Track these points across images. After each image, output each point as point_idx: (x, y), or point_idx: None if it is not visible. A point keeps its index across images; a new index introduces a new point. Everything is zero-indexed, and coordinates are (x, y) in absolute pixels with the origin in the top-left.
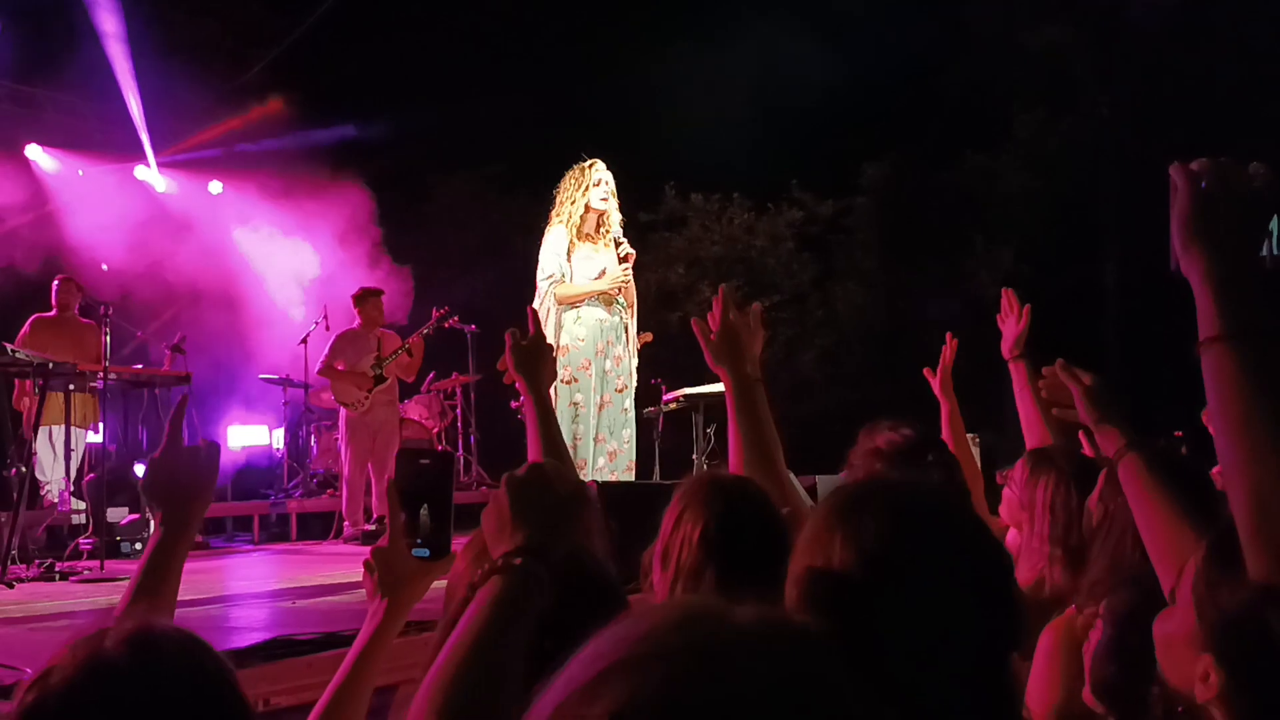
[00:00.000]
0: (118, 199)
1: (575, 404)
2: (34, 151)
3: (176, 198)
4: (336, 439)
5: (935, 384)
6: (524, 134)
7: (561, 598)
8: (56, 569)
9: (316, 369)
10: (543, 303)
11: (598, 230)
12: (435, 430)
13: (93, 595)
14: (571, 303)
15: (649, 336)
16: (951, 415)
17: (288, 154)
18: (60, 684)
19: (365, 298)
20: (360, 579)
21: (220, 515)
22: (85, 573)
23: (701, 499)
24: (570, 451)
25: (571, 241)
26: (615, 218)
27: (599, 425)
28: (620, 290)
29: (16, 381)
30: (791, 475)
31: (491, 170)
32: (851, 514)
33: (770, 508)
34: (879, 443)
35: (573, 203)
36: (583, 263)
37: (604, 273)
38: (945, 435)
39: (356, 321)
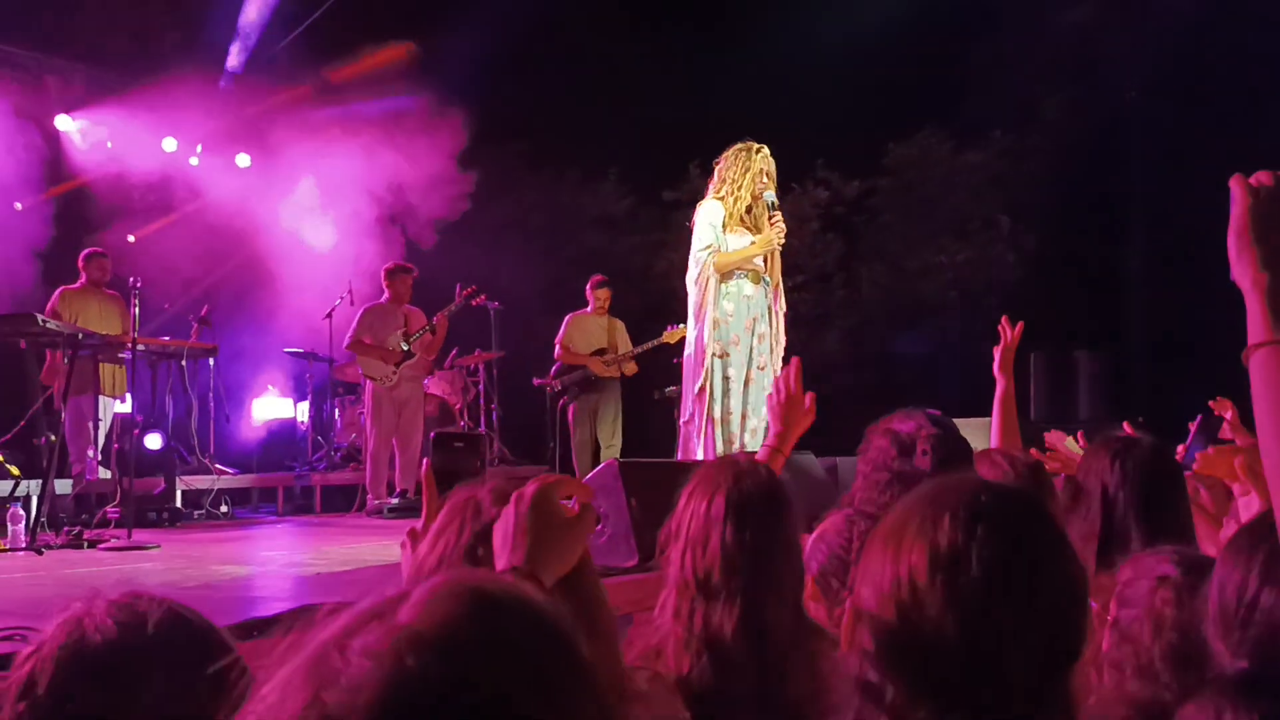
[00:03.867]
0: (146, 168)
1: (728, 378)
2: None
3: (205, 171)
4: (360, 413)
5: (996, 360)
6: (550, 111)
7: None
8: (85, 537)
9: (344, 343)
10: (702, 273)
11: (749, 213)
12: (458, 406)
13: (120, 563)
14: (728, 271)
15: (631, 369)
16: (1005, 395)
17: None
18: (51, 653)
19: (396, 273)
20: (378, 552)
21: (245, 487)
22: (113, 541)
23: (712, 476)
24: (723, 426)
25: (727, 220)
26: (770, 197)
27: (746, 401)
28: (768, 261)
29: (49, 353)
30: (811, 456)
31: (517, 147)
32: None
33: (775, 484)
34: (894, 426)
35: (736, 185)
36: (740, 238)
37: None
38: (996, 412)
39: (384, 296)
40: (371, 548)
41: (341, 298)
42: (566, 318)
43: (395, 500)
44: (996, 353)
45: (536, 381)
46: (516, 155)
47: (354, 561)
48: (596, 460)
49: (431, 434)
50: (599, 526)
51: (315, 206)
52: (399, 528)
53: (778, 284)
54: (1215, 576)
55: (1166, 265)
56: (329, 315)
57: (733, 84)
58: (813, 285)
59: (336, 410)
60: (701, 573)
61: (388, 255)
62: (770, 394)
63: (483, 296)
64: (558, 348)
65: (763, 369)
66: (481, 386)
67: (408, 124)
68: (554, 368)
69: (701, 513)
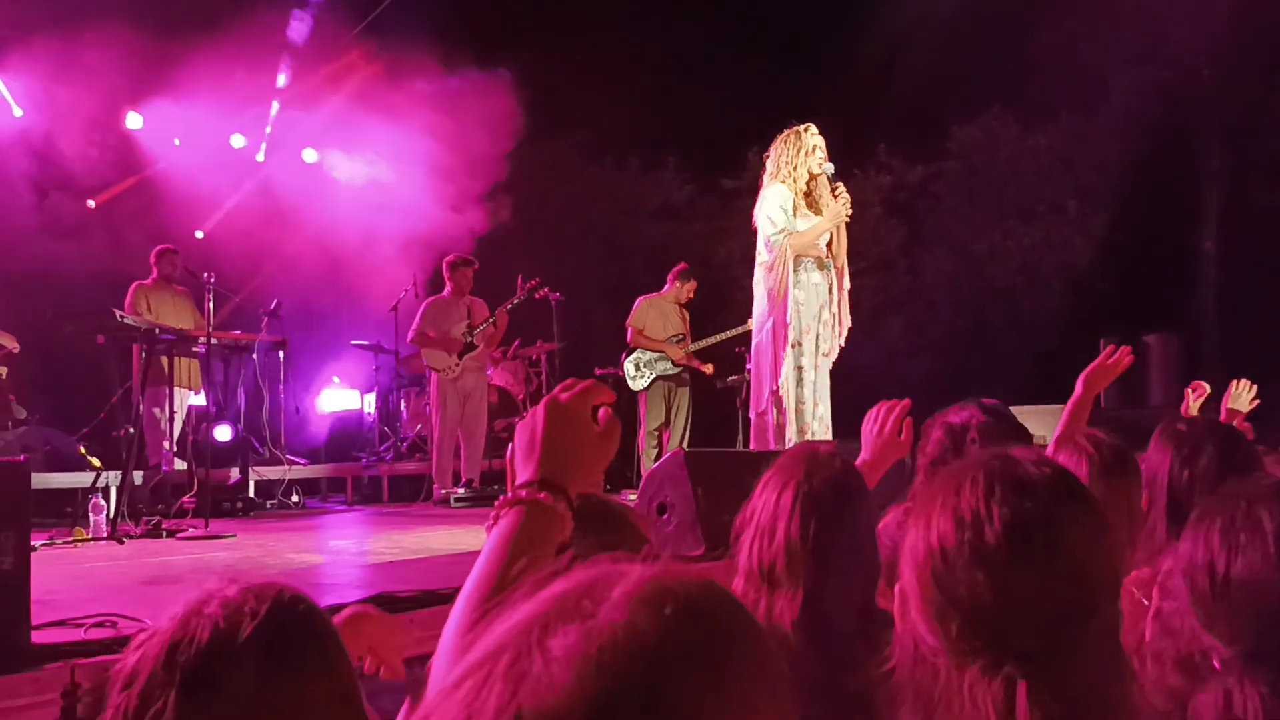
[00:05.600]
0: (214, 164)
1: (800, 368)
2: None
3: (272, 165)
4: (425, 404)
5: (1086, 371)
6: (608, 103)
7: (576, 529)
8: (163, 526)
9: (409, 337)
10: (777, 258)
11: (808, 194)
12: (520, 396)
13: (198, 552)
14: (803, 252)
15: (710, 369)
16: (1079, 402)
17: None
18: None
19: (458, 266)
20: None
21: (315, 477)
22: (189, 530)
23: (788, 466)
24: (796, 416)
25: (799, 200)
26: (829, 169)
27: (813, 389)
28: (834, 240)
29: (135, 347)
30: None
31: (575, 139)
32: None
33: (849, 478)
34: (949, 419)
35: (793, 167)
36: (809, 218)
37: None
38: (1066, 411)
39: (447, 289)
40: (440, 536)
41: (406, 290)
42: (639, 299)
43: (461, 490)
44: (1093, 366)
45: (599, 371)
46: (576, 146)
47: (424, 550)
48: (662, 450)
49: (515, 420)
50: (665, 516)
51: (378, 198)
52: (466, 517)
53: (842, 264)
54: (1179, 568)
55: (1239, 247)
56: (394, 308)
57: (791, 69)
58: (875, 272)
59: (402, 402)
60: (766, 562)
61: (450, 248)
62: (867, 421)
63: (545, 289)
64: (629, 330)
65: (827, 355)
66: (544, 377)
67: (470, 118)
68: (625, 353)
69: (772, 503)
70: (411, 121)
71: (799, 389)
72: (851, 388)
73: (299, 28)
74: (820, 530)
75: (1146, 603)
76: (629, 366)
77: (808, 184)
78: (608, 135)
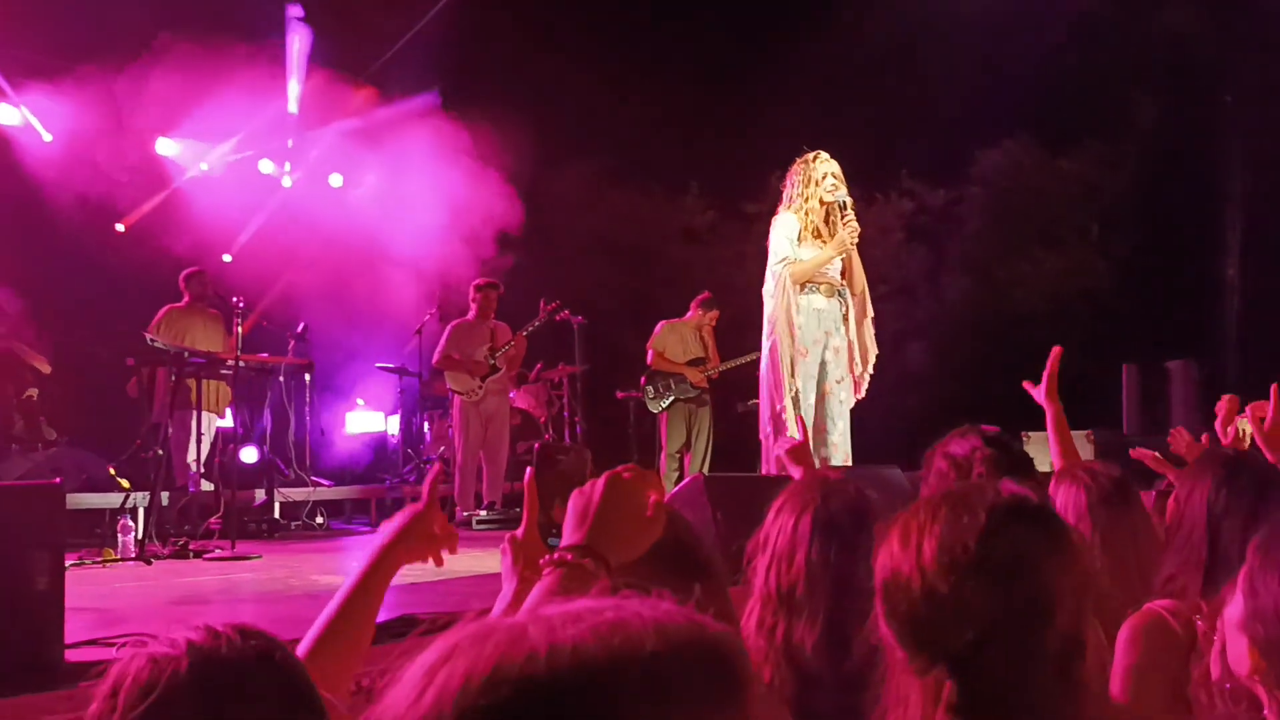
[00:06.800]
0: (241, 189)
1: (796, 390)
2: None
3: (298, 190)
4: (448, 427)
5: (1040, 391)
6: (636, 127)
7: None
8: (190, 547)
9: (434, 360)
10: (778, 286)
11: (826, 222)
12: (542, 419)
13: (225, 573)
14: (804, 281)
15: (701, 377)
16: (1056, 419)
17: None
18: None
19: (482, 289)
20: (468, 564)
21: (339, 499)
22: (216, 551)
23: (802, 492)
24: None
25: (801, 232)
26: (841, 197)
27: (824, 415)
28: (847, 269)
29: (161, 370)
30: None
31: (599, 164)
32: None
33: (864, 501)
34: (951, 449)
35: (805, 198)
36: (814, 247)
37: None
38: (1051, 438)
39: (471, 312)
40: (462, 559)
41: (430, 314)
42: (660, 323)
43: (483, 512)
44: (1034, 389)
45: (620, 394)
46: (599, 171)
47: (446, 573)
48: (683, 473)
49: (537, 445)
50: None
51: (403, 222)
52: (488, 539)
53: (862, 291)
54: (1246, 606)
55: (1261, 273)
56: (418, 331)
57: (814, 94)
58: (897, 297)
59: (426, 424)
60: (786, 587)
61: (474, 271)
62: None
63: (566, 311)
64: (649, 353)
65: (840, 382)
66: (565, 400)
67: (495, 143)
68: (645, 375)
69: (789, 528)
70: (436, 148)
71: (797, 411)
72: (878, 412)
73: (307, 50)
74: (840, 556)
75: (1182, 634)
76: (649, 389)
77: (826, 213)
78: (631, 160)
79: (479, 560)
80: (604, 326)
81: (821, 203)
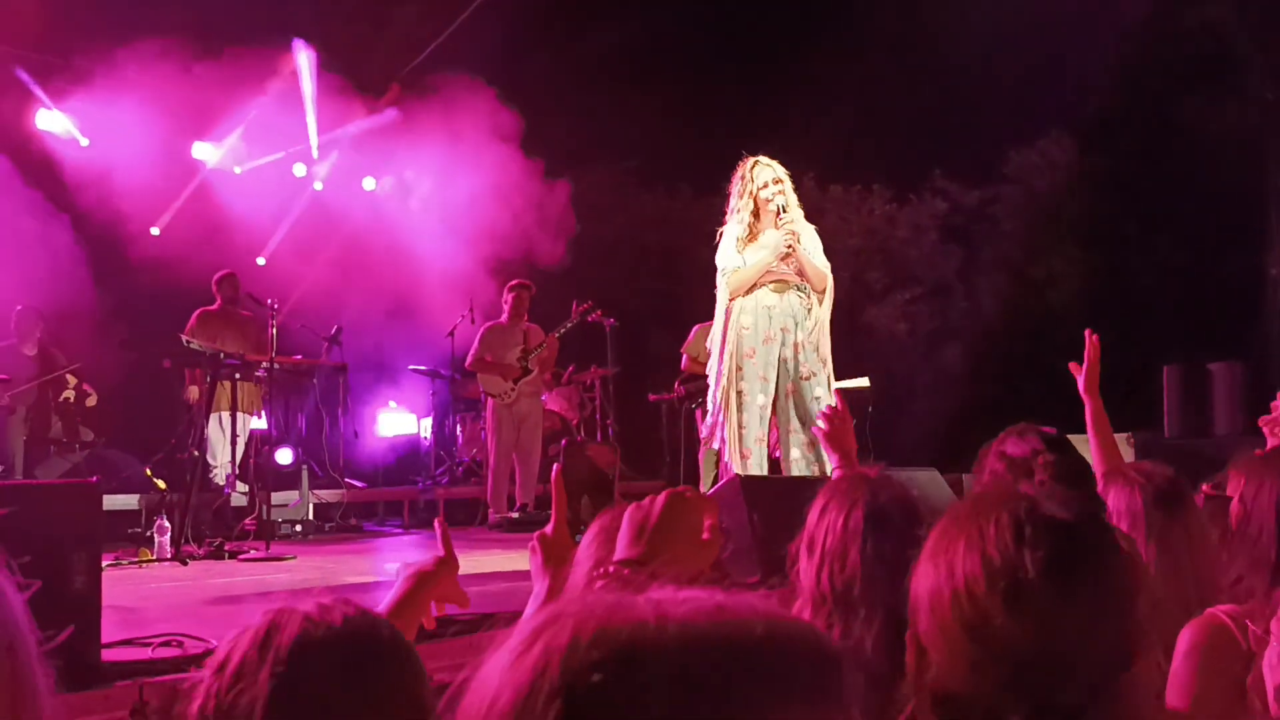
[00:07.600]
0: (274, 192)
1: (739, 392)
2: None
3: (330, 192)
4: (481, 429)
5: (1080, 382)
6: (663, 128)
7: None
8: (225, 548)
9: (468, 362)
10: (720, 299)
11: (777, 218)
12: (575, 422)
13: (259, 573)
14: (746, 291)
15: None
16: (1095, 415)
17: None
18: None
19: (516, 290)
20: (501, 564)
21: (372, 500)
22: (251, 552)
23: (846, 490)
24: (738, 440)
25: (741, 240)
26: (792, 200)
27: (790, 413)
28: (795, 264)
29: (186, 371)
30: (936, 473)
31: (630, 164)
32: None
33: (910, 496)
34: (1008, 449)
35: (738, 210)
36: (757, 251)
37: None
38: (1091, 436)
39: (504, 314)
40: (495, 559)
41: (463, 316)
42: (695, 327)
43: (516, 514)
44: (1079, 374)
45: (652, 397)
46: (629, 172)
47: (480, 572)
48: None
49: (564, 441)
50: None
51: (435, 223)
52: (521, 540)
53: (822, 290)
54: None
55: None
56: (451, 333)
57: (848, 96)
58: (932, 297)
59: (458, 426)
60: (840, 586)
61: (505, 273)
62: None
63: (598, 313)
64: (684, 357)
65: (807, 379)
66: (598, 402)
67: (526, 146)
68: (679, 378)
69: (839, 527)
70: (468, 150)
71: (740, 414)
72: (916, 412)
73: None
74: (895, 549)
75: (1244, 641)
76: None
77: (770, 212)
78: (660, 161)
79: (512, 561)
80: (636, 328)
81: (758, 204)
